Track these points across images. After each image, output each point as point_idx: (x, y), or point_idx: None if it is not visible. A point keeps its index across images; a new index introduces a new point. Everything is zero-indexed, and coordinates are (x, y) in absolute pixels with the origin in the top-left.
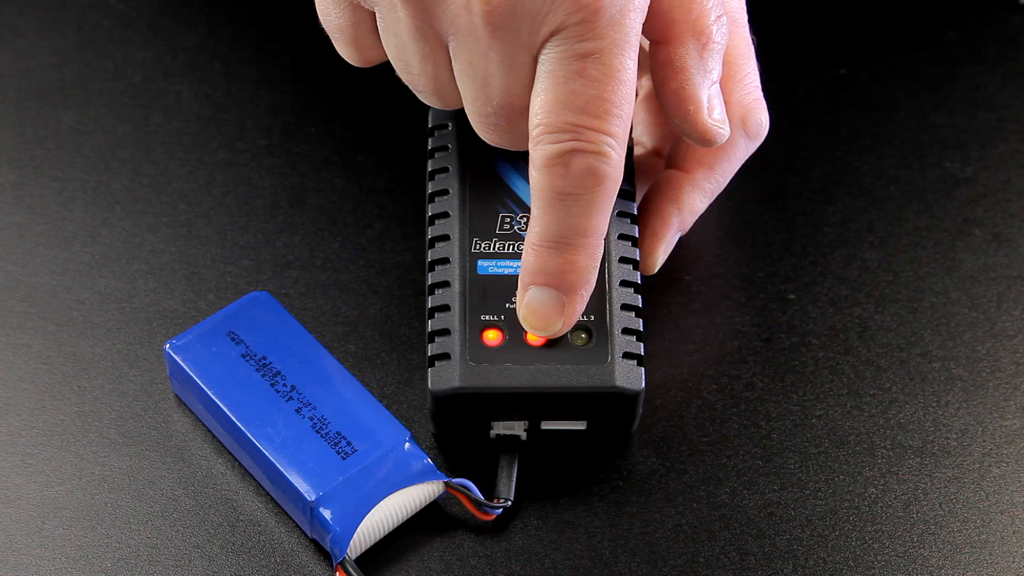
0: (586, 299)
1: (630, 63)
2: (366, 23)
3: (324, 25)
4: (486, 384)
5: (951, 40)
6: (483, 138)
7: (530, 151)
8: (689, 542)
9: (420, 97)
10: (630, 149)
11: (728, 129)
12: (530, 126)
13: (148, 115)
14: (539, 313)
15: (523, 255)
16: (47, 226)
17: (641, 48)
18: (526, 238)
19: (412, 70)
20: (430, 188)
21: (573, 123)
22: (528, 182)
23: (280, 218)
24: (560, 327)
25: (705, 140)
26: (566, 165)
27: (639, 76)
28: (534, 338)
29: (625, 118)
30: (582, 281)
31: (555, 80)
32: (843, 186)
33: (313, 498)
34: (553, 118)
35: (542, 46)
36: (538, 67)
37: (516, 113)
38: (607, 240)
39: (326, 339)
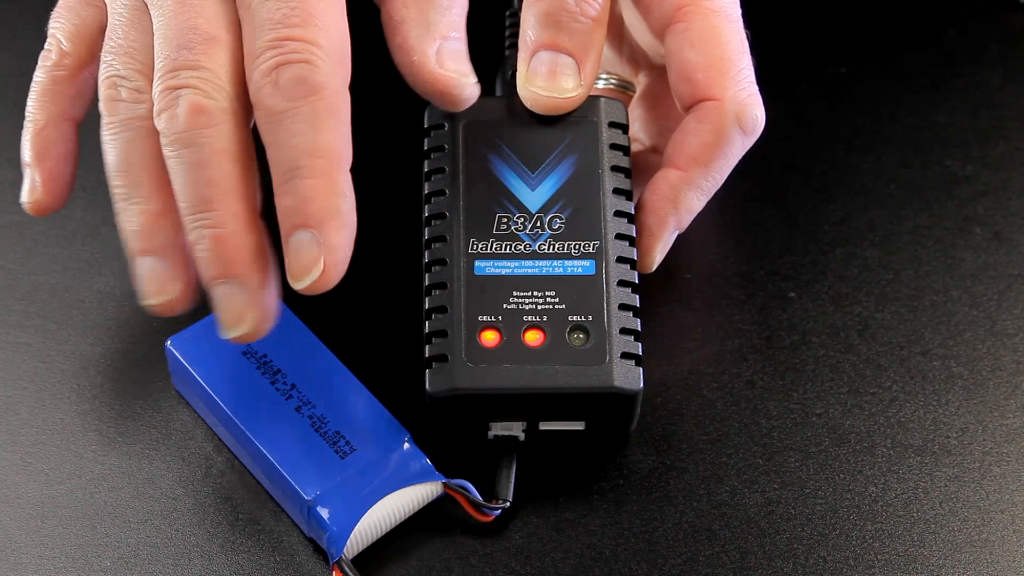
0: (342, 231)
1: None
2: None
3: None
4: (484, 385)
5: (951, 39)
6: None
7: (249, 92)
8: (689, 541)
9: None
10: (626, 148)
11: (472, 81)
12: (246, 72)
13: None
14: (298, 259)
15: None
16: (47, 224)
17: (638, 47)
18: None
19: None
20: (427, 189)
21: (273, 39)
22: (526, 184)
23: None
24: (323, 269)
25: (438, 91)
26: (275, 82)
27: (635, 73)
28: (532, 338)
29: (324, 28)
30: (326, 211)
31: (252, 9)
32: (843, 184)
33: (311, 497)
34: (256, 43)
35: None
36: (240, 11)
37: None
38: (605, 239)
39: (326, 338)
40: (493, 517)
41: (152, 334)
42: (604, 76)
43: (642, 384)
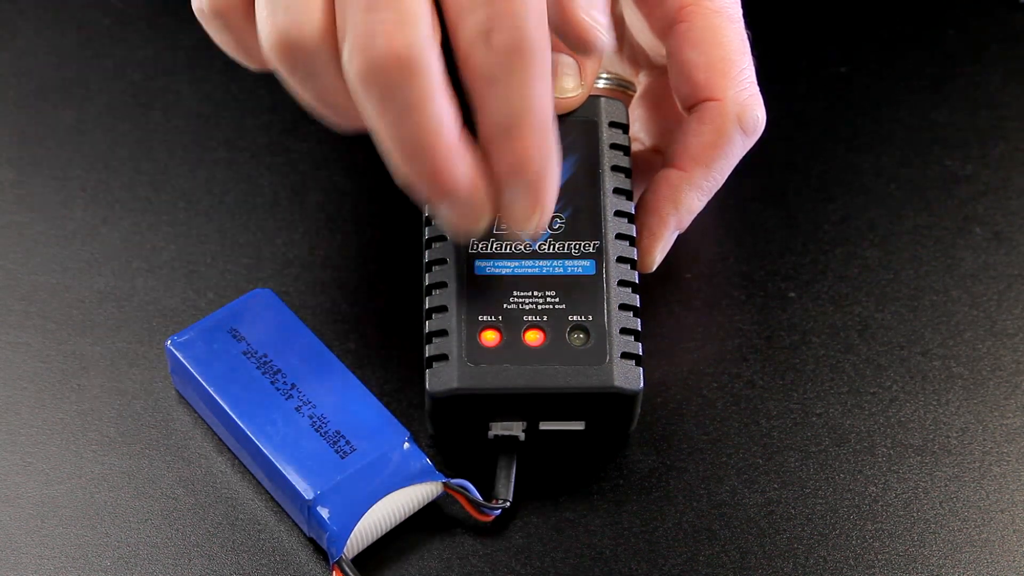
0: (555, 181)
1: None
2: None
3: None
4: (484, 385)
5: (951, 38)
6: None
7: (452, 44)
8: (689, 541)
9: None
10: (627, 147)
11: (607, 36)
12: (445, 17)
13: (148, 113)
14: (513, 210)
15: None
16: (47, 224)
17: (639, 46)
18: (479, 138)
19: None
20: None
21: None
22: None
23: (280, 216)
24: (540, 219)
25: (578, 38)
26: (487, 43)
27: (636, 72)
28: (532, 337)
29: None
30: (543, 164)
31: None
32: (843, 184)
33: (311, 497)
34: (464, 1)
35: None
36: None
37: None
38: (605, 239)
39: (326, 337)
40: (493, 517)
41: (152, 334)
42: (605, 76)
43: (642, 384)
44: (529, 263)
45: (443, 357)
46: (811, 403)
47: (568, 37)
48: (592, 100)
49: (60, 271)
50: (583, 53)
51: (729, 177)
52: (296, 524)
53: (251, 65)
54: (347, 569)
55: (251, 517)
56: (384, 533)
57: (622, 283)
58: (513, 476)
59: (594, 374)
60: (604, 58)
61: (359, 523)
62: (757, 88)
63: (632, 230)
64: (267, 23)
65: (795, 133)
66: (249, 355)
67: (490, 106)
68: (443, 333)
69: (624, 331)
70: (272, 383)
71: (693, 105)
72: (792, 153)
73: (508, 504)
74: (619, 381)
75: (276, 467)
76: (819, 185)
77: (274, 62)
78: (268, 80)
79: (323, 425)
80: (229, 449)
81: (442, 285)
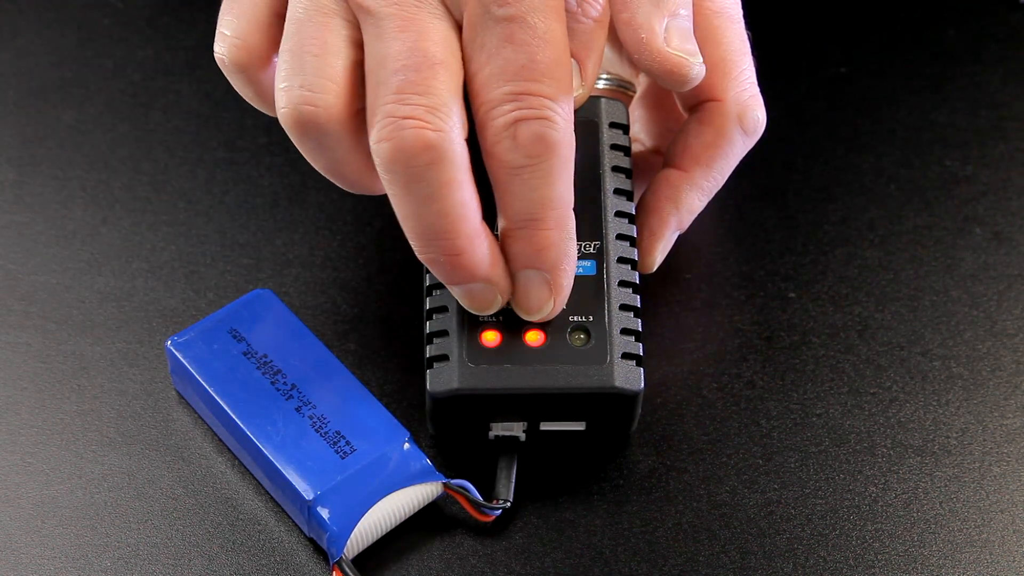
0: (570, 273)
1: (556, 26)
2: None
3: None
4: (484, 385)
5: (951, 38)
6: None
7: (478, 136)
8: (689, 541)
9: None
10: (627, 148)
11: (700, 66)
12: (473, 109)
13: (148, 113)
14: (528, 297)
15: (501, 244)
16: (47, 224)
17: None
18: (498, 226)
19: (307, 68)
20: None
21: (512, 92)
22: None
23: (280, 216)
24: (553, 307)
25: (665, 70)
26: (513, 137)
27: (636, 73)
28: (533, 338)
29: (562, 81)
30: (561, 256)
31: (485, 50)
32: (843, 184)
33: (311, 497)
34: (493, 92)
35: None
36: (466, 42)
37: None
38: (605, 239)
39: (326, 337)
40: (493, 517)
41: (152, 334)
42: (605, 76)
43: (643, 384)
44: None
45: (444, 357)
46: (811, 403)
47: (657, 75)
48: (592, 101)
49: (60, 271)
50: (675, 88)
51: (729, 177)
52: (296, 524)
53: (270, 114)
54: (347, 569)
55: (251, 517)
56: (384, 533)
57: (623, 283)
58: (513, 476)
59: (594, 374)
60: (604, 59)
61: (359, 523)
62: (758, 88)
63: (633, 231)
64: (283, 95)
65: (795, 133)
66: (249, 355)
67: (512, 196)
68: (444, 333)
69: (624, 331)
70: (272, 383)
71: (694, 105)
72: (792, 153)
73: (508, 504)
74: (619, 381)
75: (276, 467)
76: (819, 185)
77: (287, 131)
78: None
79: (323, 425)
80: (229, 449)
81: (443, 285)
